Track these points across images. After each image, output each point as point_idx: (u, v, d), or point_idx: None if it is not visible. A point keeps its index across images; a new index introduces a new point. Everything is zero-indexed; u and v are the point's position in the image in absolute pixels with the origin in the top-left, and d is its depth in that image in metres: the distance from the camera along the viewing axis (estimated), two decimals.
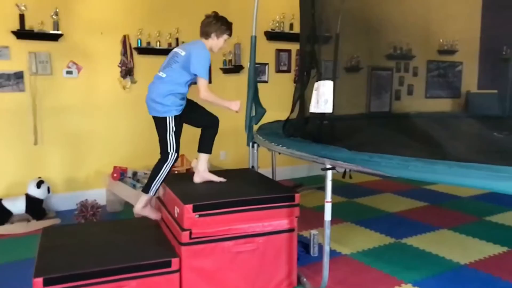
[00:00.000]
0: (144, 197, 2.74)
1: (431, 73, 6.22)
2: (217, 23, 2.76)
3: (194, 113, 2.85)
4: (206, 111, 2.91)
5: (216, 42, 2.79)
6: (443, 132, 3.19)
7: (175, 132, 2.71)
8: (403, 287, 2.66)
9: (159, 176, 2.70)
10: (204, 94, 2.68)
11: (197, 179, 2.86)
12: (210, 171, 2.93)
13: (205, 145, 2.90)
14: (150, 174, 2.74)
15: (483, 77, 6.47)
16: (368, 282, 2.73)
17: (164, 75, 2.71)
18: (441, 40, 6.15)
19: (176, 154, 2.72)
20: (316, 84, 2.70)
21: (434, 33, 5.89)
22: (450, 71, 6.42)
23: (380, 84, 5.24)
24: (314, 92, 2.70)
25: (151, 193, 2.72)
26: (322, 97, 2.65)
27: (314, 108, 2.71)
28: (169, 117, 2.68)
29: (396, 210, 4.19)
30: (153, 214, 2.83)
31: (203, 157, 2.88)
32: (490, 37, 6.15)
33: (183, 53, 2.71)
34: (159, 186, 2.73)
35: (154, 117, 2.74)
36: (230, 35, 2.84)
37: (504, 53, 5.76)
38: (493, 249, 3.22)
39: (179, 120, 2.74)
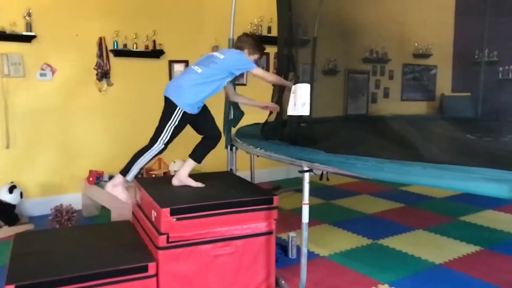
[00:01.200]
0: (119, 178, 2.69)
1: (407, 76, 6.34)
2: (251, 42, 2.90)
3: (204, 120, 2.86)
4: (215, 123, 2.93)
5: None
6: (418, 134, 3.25)
7: (175, 127, 2.67)
8: None
9: (139, 161, 2.67)
10: (271, 78, 3.06)
11: (175, 181, 2.84)
12: (189, 175, 2.91)
13: (198, 154, 2.87)
14: (132, 157, 2.70)
15: (456, 80, 6.63)
16: (346, 284, 2.75)
17: (199, 70, 2.73)
18: (416, 44, 6.28)
19: (163, 147, 2.69)
20: (293, 87, 2.72)
21: (409, 37, 6.01)
22: (425, 75, 6.55)
23: (356, 87, 5.31)
24: (292, 95, 2.72)
25: (128, 177, 2.68)
26: (300, 100, 2.66)
27: (291, 110, 2.73)
28: (179, 109, 2.65)
29: (373, 211, 4.24)
30: (123, 195, 2.73)
31: (190, 163, 2.85)
32: (463, 41, 6.31)
33: (222, 57, 2.78)
34: (137, 173, 2.70)
35: (165, 99, 2.72)
36: (260, 57, 2.99)
37: (476, 57, 5.91)
38: (467, 249, 3.29)
39: (185, 119, 2.70)
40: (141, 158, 2.67)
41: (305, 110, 2.65)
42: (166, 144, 2.70)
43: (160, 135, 2.67)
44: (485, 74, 5.61)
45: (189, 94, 2.67)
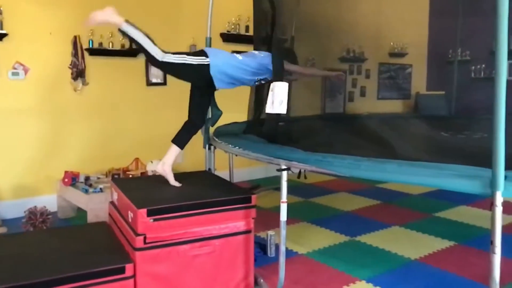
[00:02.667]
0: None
1: (383, 75, 6.44)
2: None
3: (206, 100, 2.99)
4: (207, 107, 3.09)
5: None
6: (394, 132, 3.30)
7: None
8: (357, 284, 2.73)
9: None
10: (308, 71, 3.48)
11: (159, 168, 2.85)
12: None
13: (181, 138, 2.89)
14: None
15: (431, 79, 6.77)
16: (324, 281, 2.78)
17: (240, 57, 2.86)
18: (392, 43, 6.39)
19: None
20: (271, 85, 2.73)
21: (385, 37, 6.10)
22: (401, 73, 6.66)
23: (334, 86, 5.36)
24: (270, 93, 2.73)
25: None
26: (277, 98, 2.68)
27: (269, 108, 2.74)
28: (207, 65, 2.69)
29: (351, 208, 4.29)
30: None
31: (174, 149, 2.86)
32: (437, 41, 6.45)
33: (261, 54, 2.95)
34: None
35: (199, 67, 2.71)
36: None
37: (450, 56, 6.04)
38: (441, 244, 3.36)
39: (202, 74, 2.72)
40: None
41: (282, 108, 2.66)
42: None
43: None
44: (458, 73, 5.74)
45: (225, 65, 2.74)
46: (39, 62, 4.05)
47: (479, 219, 3.90)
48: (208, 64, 2.69)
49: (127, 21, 2.64)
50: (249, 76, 2.85)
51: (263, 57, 2.90)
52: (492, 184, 1.67)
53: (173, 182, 2.82)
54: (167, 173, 2.82)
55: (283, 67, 2.84)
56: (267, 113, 2.84)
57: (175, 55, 2.67)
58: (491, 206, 1.68)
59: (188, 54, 2.75)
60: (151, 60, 2.69)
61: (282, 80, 2.69)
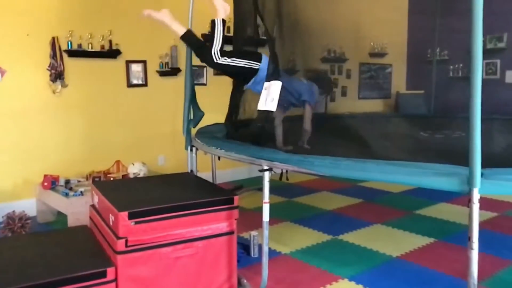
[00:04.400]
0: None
1: (363, 75, 6.52)
2: None
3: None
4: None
5: None
6: (375, 132, 3.34)
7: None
8: (340, 282, 2.75)
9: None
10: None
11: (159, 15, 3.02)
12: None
13: (191, 35, 3.05)
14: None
15: (411, 79, 6.88)
16: (307, 280, 2.79)
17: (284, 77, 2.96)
18: (372, 44, 6.46)
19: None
20: (266, 83, 2.76)
21: (365, 37, 6.18)
22: (381, 73, 6.75)
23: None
24: (264, 91, 2.75)
25: None
26: (270, 96, 2.70)
27: (262, 106, 2.75)
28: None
29: (333, 207, 4.33)
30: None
31: (180, 28, 3.03)
32: (416, 41, 6.56)
33: (304, 82, 3.11)
34: None
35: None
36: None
37: (428, 56, 6.15)
38: (422, 241, 3.42)
39: None
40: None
41: (272, 106, 2.68)
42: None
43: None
44: (437, 72, 5.84)
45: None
46: (16, 64, 3.97)
47: (458, 215, 3.97)
48: (258, 69, 2.85)
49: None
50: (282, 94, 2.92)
51: (300, 84, 3.01)
52: (469, 182, 1.71)
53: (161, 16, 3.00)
54: (165, 16, 3.00)
55: (279, 66, 2.87)
56: (258, 111, 2.86)
57: (228, 59, 2.85)
58: (468, 203, 1.72)
59: (242, 53, 3.00)
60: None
61: (277, 79, 2.72)
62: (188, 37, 3.03)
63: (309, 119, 3.02)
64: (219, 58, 2.85)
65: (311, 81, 3.12)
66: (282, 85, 2.79)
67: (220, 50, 2.85)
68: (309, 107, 3.00)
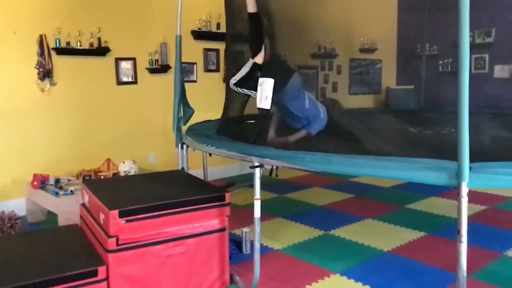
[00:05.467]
0: None
1: (354, 71, 6.53)
2: None
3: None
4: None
5: None
6: (365, 127, 3.35)
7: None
8: (332, 277, 2.77)
9: None
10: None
11: None
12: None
13: None
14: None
15: (401, 74, 6.91)
16: (299, 275, 2.80)
17: (306, 95, 3.07)
18: (362, 39, 6.48)
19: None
20: (260, 80, 2.74)
21: (355, 33, 6.19)
22: (371, 69, 6.77)
23: (306, 82, 5.39)
24: (259, 88, 2.74)
25: None
26: (264, 94, 2.70)
27: (259, 103, 2.75)
28: None
29: (324, 203, 4.35)
30: None
31: None
32: (405, 36, 6.59)
33: (318, 106, 3.13)
34: None
35: None
36: None
37: (418, 51, 6.18)
38: (413, 235, 3.45)
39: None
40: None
41: (267, 104, 2.68)
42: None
43: None
44: (427, 67, 5.87)
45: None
46: (3, 62, 3.93)
47: (448, 209, 4.01)
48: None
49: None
50: (296, 111, 2.98)
51: (314, 108, 3.04)
52: (458, 176, 1.72)
53: None
54: None
55: (272, 63, 2.88)
56: (258, 109, 2.85)
57: None
58: (458, 196, 1.74)
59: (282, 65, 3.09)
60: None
61: (270, 76, 2.71)
62: (255, 18, 3.02)
63: (298, 137, 3.02)
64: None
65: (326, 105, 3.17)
66: (295, 106, 2.90)
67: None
68: (305, 133, 3.01)
